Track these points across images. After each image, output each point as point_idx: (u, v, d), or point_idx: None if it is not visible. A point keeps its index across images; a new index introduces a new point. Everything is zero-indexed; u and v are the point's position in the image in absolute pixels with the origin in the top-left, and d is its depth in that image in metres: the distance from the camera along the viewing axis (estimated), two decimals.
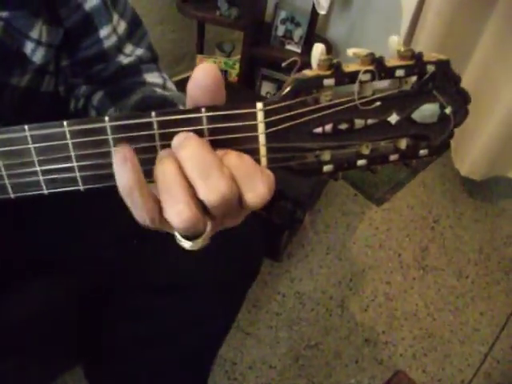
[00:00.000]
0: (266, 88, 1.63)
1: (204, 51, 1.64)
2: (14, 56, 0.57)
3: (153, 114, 0.36)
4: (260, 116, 0.38)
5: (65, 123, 0.36)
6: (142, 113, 0.36)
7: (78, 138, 0.36)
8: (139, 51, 0.67)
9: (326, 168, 0.41)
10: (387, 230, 1.54)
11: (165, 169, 0.34)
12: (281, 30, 1.45)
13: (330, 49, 1.53)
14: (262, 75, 1.57)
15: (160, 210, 0.35)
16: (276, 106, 0.38)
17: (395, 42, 0.41)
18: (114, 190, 0.40)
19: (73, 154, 0.37)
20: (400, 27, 1.51)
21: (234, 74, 1.63)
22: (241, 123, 0.37)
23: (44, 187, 0.39)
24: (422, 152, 0.43)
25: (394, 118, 0.40)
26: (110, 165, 0.37)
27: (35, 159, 0.38)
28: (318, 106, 0.39)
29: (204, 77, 0.34)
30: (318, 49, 0.40)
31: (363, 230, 1.52)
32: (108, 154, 0.37)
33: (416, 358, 1.28)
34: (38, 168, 0.38)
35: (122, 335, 0.81)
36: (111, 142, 0.36)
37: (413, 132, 0.42)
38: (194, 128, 0.37)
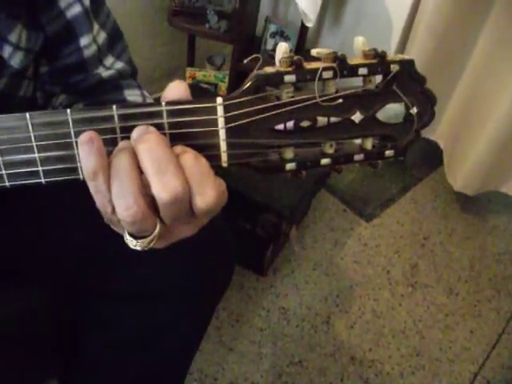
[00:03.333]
0: None
1: (194, 64, 1.65)
2: None
3: (114, 107, 0.35)
4: (220, 110, 0.37)
5: (27, 115, 0.36)
6: (103, 106, 0.36)
7: (41, 130, 0.36)
8: (119, 64, 0.66)
9: (289, 166, 0.40)
10: (376, 247, 1.51)
11: (120, 160, 0.34)
12: (270, 44, 1.45)
13: None
14: None
15: None
16: (236, 100, 0.38)
17: (360, 42, 0.40)
18: (76, 191, 0.39)
19: (35, 144, 0.37)
20: (391, 42, 1.52)
21: (223, 88, 1.62)
22: (201, 117, 0.37)
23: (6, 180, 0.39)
24: (388, 153, 0.41)
25: (357, 117, 0.40)
26: (71, 157, 0.37)
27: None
28: (278, 102, 0.38)
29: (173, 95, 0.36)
30: (282, 47, 0.39)
31: (351, 245, 1.50)
32: (70, 146, 0.36)
33: (404, 376, 1.25)
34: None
35: (92, 343, 0.79)
36: (73, 135, 0.36)
37: (378, 132, 0.41)
38: (155, 122, 0.36)
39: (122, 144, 0.35)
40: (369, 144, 0.41)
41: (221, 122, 0.37)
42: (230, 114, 0.37)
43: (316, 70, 0.37)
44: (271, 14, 1.52)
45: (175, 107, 0.36)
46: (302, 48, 1.47)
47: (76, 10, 0.59)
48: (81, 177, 0.37)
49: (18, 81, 0.61)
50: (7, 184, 0.38)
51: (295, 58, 0.37)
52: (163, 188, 0.33)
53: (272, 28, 1.43)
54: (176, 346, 0.77)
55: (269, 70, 0.39)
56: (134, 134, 0.35)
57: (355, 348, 1.27)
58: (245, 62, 0.45)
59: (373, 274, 1.44)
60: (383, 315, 1.35)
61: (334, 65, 0.38)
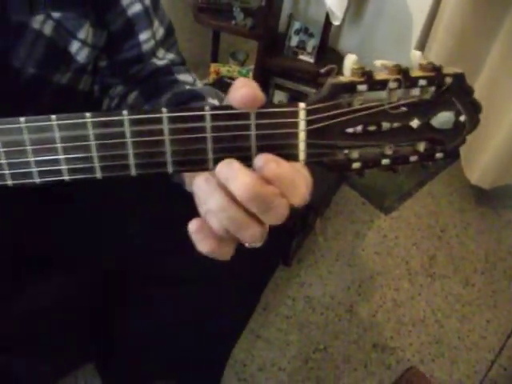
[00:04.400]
0: (279, 97, 1.67)
1: (218, 60, 1.69)
2: (61, 54, 0.61)
3: (206, 108, 0.39)
4: (302, 114, 0.41)
5: (124, 112, 0.39)
6: (191, 107, 0.39)
7: (135, 126, 0.40)
8: (170, 55, 0.71)
9: (355, 165, 0.44)
10: (395, 238, 1.56)
11: (219, 203, 0.37)
12: (294, 41, 1.49)
13: (341, 60, 1.56)
14: (275, 84, 1.60)
15: None
16: (316, 106, 0.42)
17: (417, 56, 0.45)
18: (138, 183, 0.43)
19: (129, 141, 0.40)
20: (411, 40, 1.55)
21: None
22: (284, 120, 0.41)
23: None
24: (438, 155, 0.46)
25: (415, 123, 0.44)
26: (160, 153, 0.40)
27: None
28: (351, 108, 0.43)
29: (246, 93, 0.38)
30: (351, 59, 0.44)
31: (372, 237, 1.55)
32: (162, 143, 0.40)
33: (424, 363, 1.30)
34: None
35: (141, 327, 0.83)
36: (167, 132, 0.40)
37: (430, 136, 0.45)
38: (242, 122, 0.40)
39: (211, 185, 0.38)
40: (421, 147, 0.46)
41: (302, 124, 0.41)
42: (310, 118, 0.41)
43: (386, 81, 0.41)
44: (294, 11, 1.56)
45: (262, 110, 0.40)
46: (324, 44, 1.51)
47: (136, 8, 0.64)
48: (169, 170, 0.42)
49: (80, 75, 0.66)
50: (98, 175, 0.42)
51: (366, 69, 0.42)
52: (272, 219, 0.37)
53: (296, 25, 1.47)
54: (225, 329, 0.81)
55: (343, 79, 0.43)
56: (222, 173, 0.37)
57: (377, 336, 1.32)
58: (322, 71, 0.49)
59: (392, 265, 1.49)
60: (403, 304, 1.40)
61: (400, 76, 0.42)
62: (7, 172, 0.43)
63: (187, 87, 0.67)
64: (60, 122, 0.40)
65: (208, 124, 0.40)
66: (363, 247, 1.51)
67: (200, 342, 0.81)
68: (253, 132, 0.41)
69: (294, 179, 0.38)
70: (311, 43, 1.47)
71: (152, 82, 0.68)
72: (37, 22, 0.57)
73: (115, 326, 0.91)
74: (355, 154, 0.44)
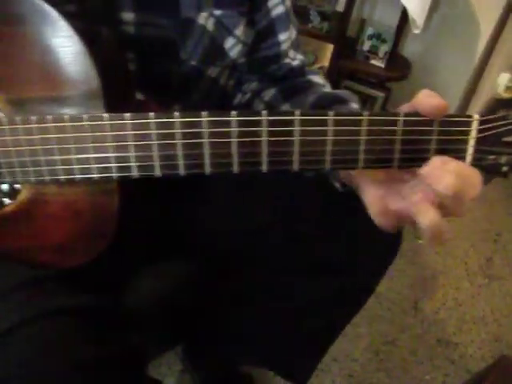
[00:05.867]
0: None
1: None
2: (218, 49, 0.66)
3: (365, 113, 0.45)
4: (475, 124, 0.47)
5: (331, 113, 0.45)
6: (388, 112, 0.45)
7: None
8: (299, 56, 0.76)
9: (504, 168, 0.50)
10: (453, 240, 1.62)
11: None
12: (367, 45, 1.55)
13: (408, 66, 1.62)
14: (344, 87, 1.66)
15: None
16: (486, 117, 0.48)
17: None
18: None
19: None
20: (476, 50, 1.60)
21: None
22: (460, 128, 0.46)
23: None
24: None
25: None
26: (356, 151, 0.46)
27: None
28: (509, 120, 0.49)
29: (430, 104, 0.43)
30: (505, 78, 0.50)
31: None
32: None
33: (484, 359, 1.36)
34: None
35: (250, 313, 0.85)
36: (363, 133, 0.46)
37: None
38: (426, 128, 0.45)
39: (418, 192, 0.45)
40: None
41: (474, 132, 0.46)
42: (481, 127, 0.46)
43: None
44: (367, 16, 1.61)
45: (446, 119, 0.45)
46: (395, 51, 1.56)
47: (280, 9, 0.70)
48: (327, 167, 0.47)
49: (226, 70, 0.72)
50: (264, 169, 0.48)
51: None
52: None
53: (370, 31, 1.52)
54: (334, 321, 0.83)
55: (505, 95, 0.49)
56: (430, 173, 0.43)
57: (441, 331, 1.39)
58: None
59: (452, 265, 1.55)
60: (464, 303, 1.46)
61: None
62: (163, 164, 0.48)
63: (327, 90, 0.72)
64: (239, 118, 0.45)
65: (400, 128, 0.46)
66: (424, 247, 1.57)
67: (306, 332, 0.83)
68: (434, 137, 0.47)
69: (473, 174, 0.43)
70: (383, 48, 1.53)
71: (289, 82, 0.73)
72: (202, 18, 0.62)
73: (209, 311, 0.94)
74: (504, 159, 0.50)
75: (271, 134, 0.46)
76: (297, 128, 0.47)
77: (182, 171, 0.49)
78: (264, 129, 0.47)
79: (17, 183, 0.55)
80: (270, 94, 0.73)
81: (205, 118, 0.46)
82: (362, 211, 0.70)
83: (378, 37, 1.52)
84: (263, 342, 0.89)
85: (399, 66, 1.57)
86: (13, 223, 0.57)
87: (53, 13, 0.49)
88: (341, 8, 1.50)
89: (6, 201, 0.56)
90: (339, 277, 0.74)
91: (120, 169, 0.50)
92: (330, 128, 0.47)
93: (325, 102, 0.68)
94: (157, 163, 0.49)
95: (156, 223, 0.75)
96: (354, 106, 0.67)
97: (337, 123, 0.46)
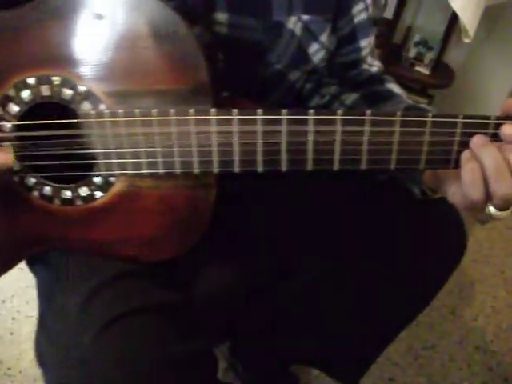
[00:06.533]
0: None
1: None
2: (303, 54, 0.68)
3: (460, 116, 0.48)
4: None
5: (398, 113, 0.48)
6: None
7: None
8: (376, 62, 0.78)
9: None
10: (490, 248, 1.64)
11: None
12: (413, 52, 1.56)
13: (452, 74, 1.63)
14: None
15: None
16: None
17: None
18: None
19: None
20: None
21: None
22: None
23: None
24: None
25: None
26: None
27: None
28: None
29: None
30: None
31: (469, 245, 1.62)
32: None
33: None
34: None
35: (288, 314, 0.89)
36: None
37: None
38: (490, 131, 0.48)
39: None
40: None
41: None
42: None
43: None
44: (414, 23, 1.62)
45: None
46: (440, 59, 1.57)
47: (362, 16, 0.71)
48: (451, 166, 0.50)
49: (305, 75, 0.73)
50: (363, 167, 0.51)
51: None
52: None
53: (416, 37, 1.53)
54: (393, 325, 0.84)
55: None
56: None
57: (479, 339, 1.40)
58: None
59: (489, 273, 1.57)
60: (501, 311, 1.48)
61: None
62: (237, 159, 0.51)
63: (410, 102, 0.73)
64: (344, 117, 0.49)
65: (458, 130, 0.48)
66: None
67: (363, 334, 0.84)
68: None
69: None
70: (429, 56, 1.54)
71: (370, 88, 0.74)
72: (291, 22, 0.64)
73: (264, 310, 0.96)
74: None
75: (344, 133, 0.49)
76: (367, 128, 0.49)
77: (284, 167, 0.52)
78: (338, 128, 0.50)
79: (112, 176, 0.56)
80: (351, 98, 0.75)
81: (311, 116, 0.49)
82: (428, 212, 0.72)
83: (424, 44, 1.53)
84: (316, 343, 0.91)
85: (443, 74, 1.58)
86: (103, 216, 0.59)
87: (167, 7, 0.50)
88: (389, 15, 1.52)
89: (98, 194, 0.57)
90: (404, 280, 0.75)
91: (222, 163, 0.52)
92: (397, 129, 0.49)
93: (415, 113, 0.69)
94: (260, 158, 0.51)
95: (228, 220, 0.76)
96: None
97: (403, 124, 0.49)
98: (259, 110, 0.50)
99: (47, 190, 0.58)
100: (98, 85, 0.52)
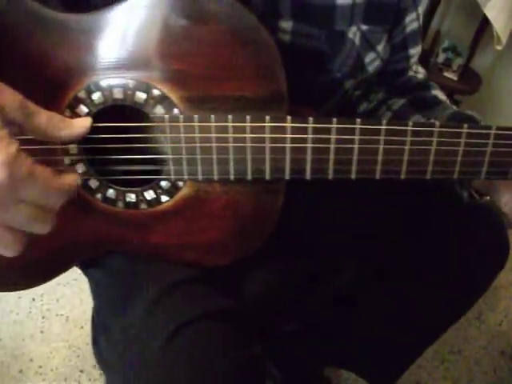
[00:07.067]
0: None
1: None
2: (360, 64, 0.69)
3: None
4: None
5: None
6: None
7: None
8: (421, 69, 0.79)
9: None
10: None
11: None
12: (441, 58, 1.57)
13: (479, 81, 1.63)
14: None
15: None
16: None
17: None
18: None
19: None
20: None
21: None
22: None
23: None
24: None
25: None
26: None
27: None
28: None
29: None
30: None
31: None
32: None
33: None
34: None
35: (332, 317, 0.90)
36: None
37: None
38: None
39: None
40: None
41: None
42: None
43: None
44: (443, 29, 1.63)
45: None
46: (468, 65, 1.58)
47: (414, 25, 0.72)
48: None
49: (357, 83, 0.74)
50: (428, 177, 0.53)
51: None
52: None
53: (445, 43, 1.54)
54: (433, 329, 0.84)
55: None
56: None
57: (504, 344, 1.41)
58: None
59: None
60: None
61: None
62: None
63: (455, 107, 0.74)
64: (414, 128, 0.51)
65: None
66: None
67: (402, 339, 0.85)
68: None
69: None
70: (457, 61, 1.54)
71: (417, 94, 0.75)
72: (351, 32, 0.64)
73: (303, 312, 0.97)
74: None
75: (412, 143, 0.51)
76: (435, 139, 0.51)
77: (353, 175, 0.53)
78: (408, 138, 0.51)
79: (181, 180, 0.56)
80: (398, 103, 0.76)
81: (384, 126, 0.51)
82: (472, 215, 0.72)
83: (453, 50, 1.54)
84: (354, 345, 0.90)
85: (471, 80, 1.59)
86: (166, 220, 0.58)
87: (252, 16, 0.50)
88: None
89: (164, 198, 0.57)
90: (448, 283, 0.75)
91: (294, 170, 0.53)
92: (462, 140, 0.50)
93: (461, 119, 0.68)
94: (331, 166, 0.53)
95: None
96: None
97: (468, 136, 0.50)
98: (334, 119, 0.51)
99: (111, 192, 0.57)
100: (174, 89, 0.52)
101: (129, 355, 0.55)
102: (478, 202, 0.67)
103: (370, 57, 0.69)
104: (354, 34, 0.65)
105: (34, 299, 1.33)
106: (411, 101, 0.75)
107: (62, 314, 1.30)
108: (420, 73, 0.79)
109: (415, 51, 0.75)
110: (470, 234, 0.72)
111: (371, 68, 0.71)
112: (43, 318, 1.29)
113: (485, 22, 1.41)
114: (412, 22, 0.72)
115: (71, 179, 0.48)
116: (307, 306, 0.94)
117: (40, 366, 1.18)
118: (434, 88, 0.78)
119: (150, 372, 0.52)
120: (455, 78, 1.56)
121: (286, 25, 0.61)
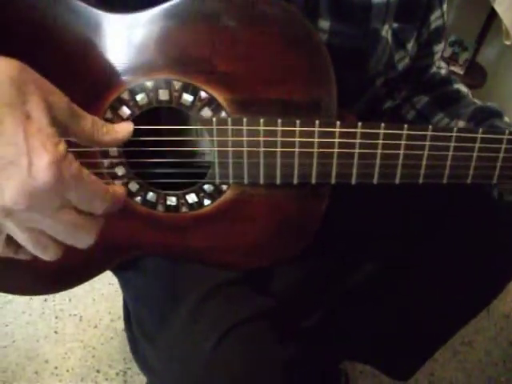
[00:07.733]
0: None
1: None
2: (391, 61, 0.69)
3: None
4: None
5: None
6: None
7: None
8: (443, 64, 0.79)
9: None
10: None
11: None
12: (448, 52, 1.57)
13: (484, 75, 1.64)
14: None
15: None
16: None
17: None
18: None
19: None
20: None
21: None
22: None
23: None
24: None
25: None
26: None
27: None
28: None
29: None
30: None
31: None
32: None
33: None
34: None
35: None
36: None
37: None
38: None
39: None
40: None
41: None
42: None
43: None
44: (448, 23, 1.63)
45: None
46: (474, 59, 1.59)
47: (438, 22, 0.72)
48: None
49: (386, 81, 0.74)
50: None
51: None
52: None
53: (452, 37, 1.55)
54: (457, 321, 0.84)
55: None
56: None
57: None
58: None
59: None
60: None
61: None
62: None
63: (478, 102, 0.74)
64: (458, 134, 0.52)
65: None
66: None
67: (422, 333, 0.85)
68: None
69: None
70: (464, 56, 1.55)
71: (440, 91, 0.76)
72: (384, 30, 0.64)
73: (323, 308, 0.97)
74: None
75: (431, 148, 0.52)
76: (452, 144, 0.52)
77: (397, 180, 0.54)
78: (427, 143, 0.52)
79: (226, 184, 0.55)
80: (422, 101, 0.76)
81: (430, 132, 0.52)
82: (496, 211, 0.73)
83: (459, 44, 1.55)
84: (374, 339, 0.91)
85: (477, 74, 1.60)
86: (206, 223, 0.58)
87: (304, 19, 0.49)
88: None
89: (207, 201, 0.56)
90: (470, 277, 0.75)
91: (340, 175, 0.54)
92: (476, 145, 0.52)
93: (483, 115, 0.69)
94: (376, 171, 0.54)
95: None
96: (506, 119, 0.70)
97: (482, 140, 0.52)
98: (382, 124, 0.51)
99: (151, 195, 0.56)
100: (221, 91, 0.51)
101: (179, 356, 0.55)
102: (506, 200, 0.67)
103: (399, 55, 0.69)
104: (386, 32, 0.65)
105: (46, 300, 1.31)
106: (435, 98, 0.76)
107: (75, 314, 1.29)
108: (443, 68, 0.79)
109: (439, 48, 0.76)
110: (496, 232, 0.72)
111: (400, 66, 0.71)
112: (56, 318, 1.28)
113: (491, 17, 1.42)
114: (438, 19, 0.72)
115: (119, 189, 0.47)
116: (327, 301, 0.95)
117: (56, 367, 1.18)
118: (457, 82, 0.79)
119: (205, 372, 0.53)
120: (461, 72, 1.57)
121: (324, 24, 0.61)
